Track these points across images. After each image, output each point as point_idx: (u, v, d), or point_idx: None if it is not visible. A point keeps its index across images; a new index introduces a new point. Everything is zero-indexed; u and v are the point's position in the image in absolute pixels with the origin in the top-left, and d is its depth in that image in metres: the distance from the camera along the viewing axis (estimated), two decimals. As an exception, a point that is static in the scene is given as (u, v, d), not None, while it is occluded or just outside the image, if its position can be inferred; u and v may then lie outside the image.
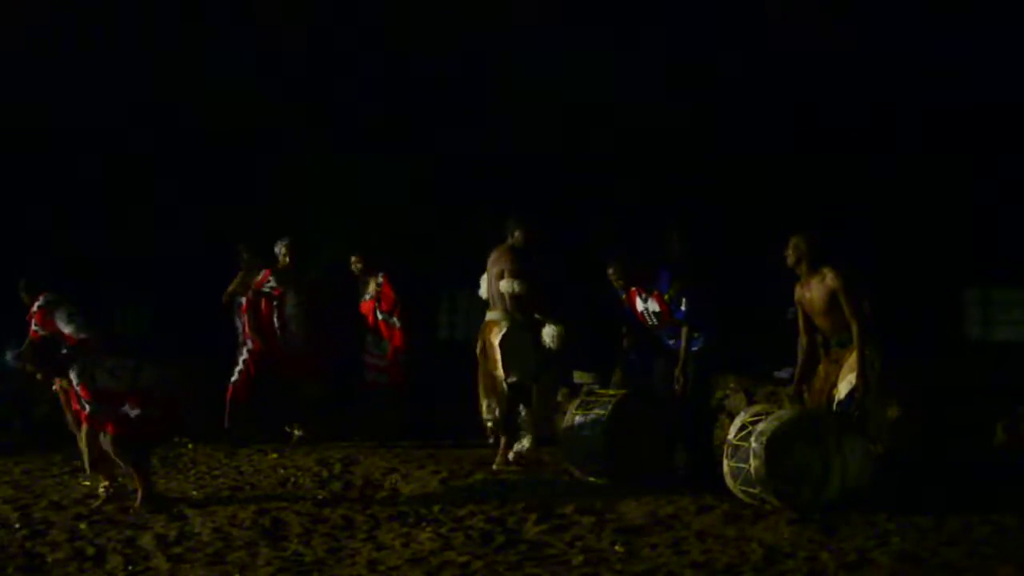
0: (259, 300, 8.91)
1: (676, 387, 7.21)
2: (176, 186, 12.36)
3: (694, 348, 7.28)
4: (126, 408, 6.19)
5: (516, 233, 7.71)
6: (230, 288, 9.12)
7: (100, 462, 6.43)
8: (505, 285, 7.62)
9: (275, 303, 8.87)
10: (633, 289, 7.49)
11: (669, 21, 11.63)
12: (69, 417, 6.62)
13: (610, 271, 7.51)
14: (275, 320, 8.88)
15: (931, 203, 11.33)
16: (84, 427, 6.32)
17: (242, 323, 8.98)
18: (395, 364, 9.16)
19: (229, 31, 11.81)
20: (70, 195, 11.89)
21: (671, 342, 7.42)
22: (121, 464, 6.32)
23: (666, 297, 7.30)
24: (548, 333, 7.57)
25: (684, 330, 7.26)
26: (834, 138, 11.53)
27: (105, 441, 6.22)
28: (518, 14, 11.65)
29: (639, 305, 7.48)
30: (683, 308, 7.25)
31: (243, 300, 8.99)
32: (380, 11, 11.97)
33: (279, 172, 12.38)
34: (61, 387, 6.53)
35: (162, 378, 6.49)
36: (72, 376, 6.21)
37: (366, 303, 9.32)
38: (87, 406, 6.18)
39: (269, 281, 8.91)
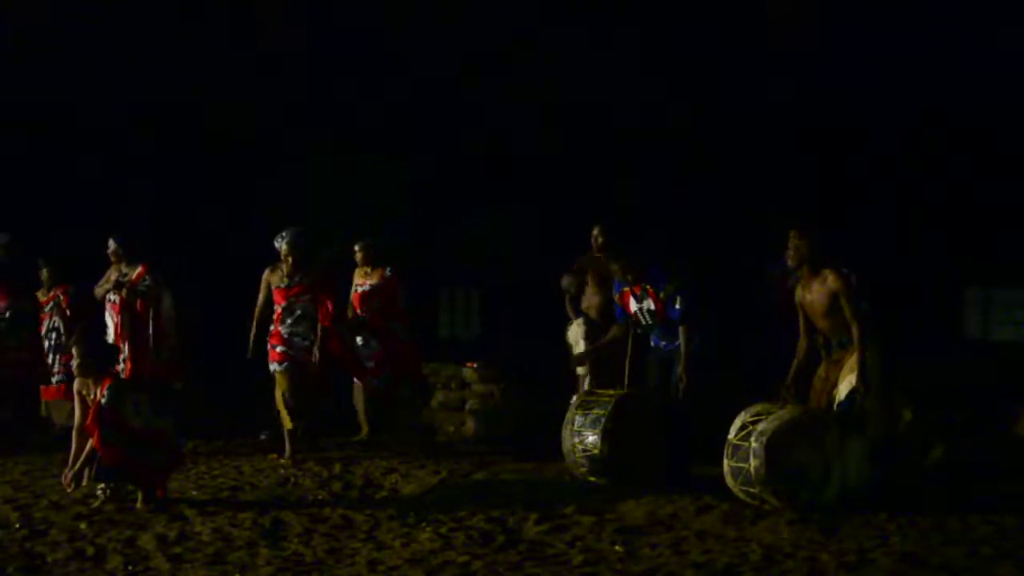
0: (134, 300, 8.25)
1: (680, 386, 7.20)
2: (175, 186, 12.37)
3: (668, 349, 7.31)
4: (132, 444, 6.27)
5: (595, 231, 8.09)
6: (103, 286, 8.41)
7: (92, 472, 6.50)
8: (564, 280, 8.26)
9: (150, 303, 8.24)
10: (627, 289, 7.48)
11: (669, 21, 11.64)
12: (76, 421, 6.58)
13: (613, 267, 7.53)
14: (150, 322, 8.23)
15: (931, 203, 11.33)
16: (90, 442, 6.33)
17: (114, 323, 8.31)
18: (396, 364, 8.56)
19: (229, 31, 11.82)
20: (69, 195, 11.90)
21: (662, 344, 7.42)
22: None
23: (661, 296, 7.28)
24: (571, 332, 8.06)
25: (682, 330, 7.25)
26: (834, 138, 11.54)
27: (102, 461, 6.32)
28: (518, 14, 11.66)
29: (632, 306, 7.47)
30: (678, 307, 7.24)
31: (115, 298, 8.30)
32: (380, 11, 11.98)
33: (279, 172, 12.38)
34: (81, 393, 6.52)
35: (176, 429, 6.64)
36: (104, 393, 6.29)
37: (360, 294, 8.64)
38: (103, 428, 6.22)
39: (145, 279, 8.28)
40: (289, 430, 7.95)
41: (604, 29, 11.73)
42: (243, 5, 11.91)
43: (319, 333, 7.98)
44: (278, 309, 8.03)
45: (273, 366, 8.01)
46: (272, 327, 8.03)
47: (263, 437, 8.69)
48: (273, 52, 11.98)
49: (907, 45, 11.01)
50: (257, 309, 8.09)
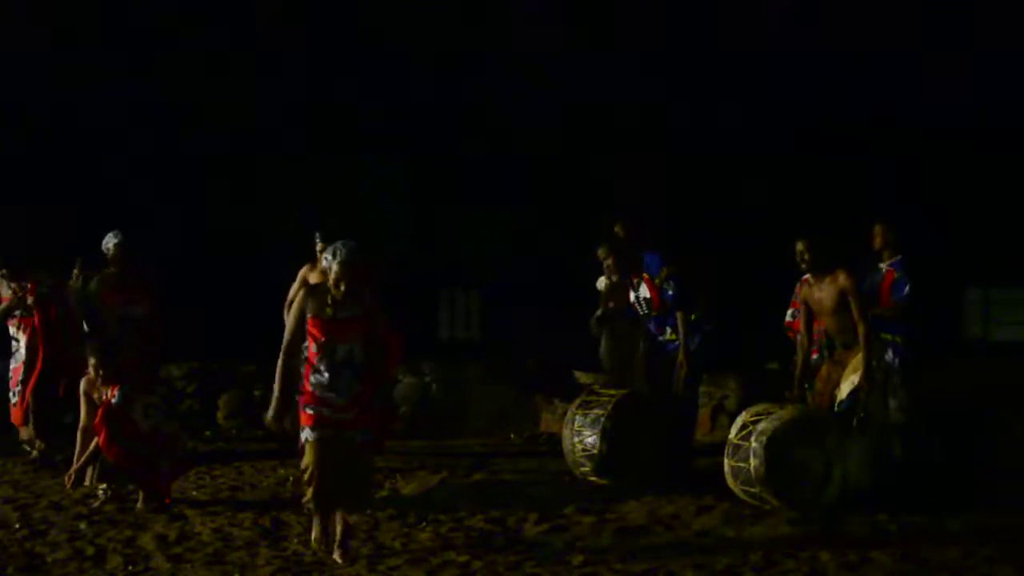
0: (40, 307, 7.85)
1: (679, 374, 7.17)
2: (174, 186, 12.35)
3: (671, 348, 7.30)
4: (138, 446, 6.31)
5: (616, 228, 7.96)
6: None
7: (96, 471, 6.52)
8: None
9: (56, 302, 7.77)
10: (626, 282, 7.51)
11: (669, 21, 11.65)
12: (83, 422, 6.57)
13: (601, 256, 7.60)
14: (58, 324, 7.75)
15: (931, 203, 11.33)
16: (97, 440, 6.34)
17: (24, 337, 7.93)
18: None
19: (229, 31, 11.82)
20: (68, 195, 11.88)
21: (661, 338, 7.40)
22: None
23: (656, 281, 7.28)
24: (600, 281, 8.30)
25: (679, 316, 7.22)
26: (834, 138, 11.54)
27: (106, 462, 6.36)
28: (518, 14, 11.66)
29: (631, 296, 7.48)
30: (671, 292, 7.22)
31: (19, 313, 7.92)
32: (380, 11, 11.98)
33: (279, 172, 12.37)
34: (90, 393, 6.52)
35: (181, 433, 6.74)
36: (116, 394, 6.33)
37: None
38: (110, 428, 6.25)
39: (37, 287, 7.82)
40: (313, 511, 5.64)
41: (604, 29, 11.73)
42: (244, 4, 11.91)
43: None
44: (313, 347, 5.63)
45: (305, 433, 5.56)
46: (303, 375, 5.65)
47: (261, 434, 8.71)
48: (273, 52, 11.97)
49: (905, 43, 11.02)
50: (285, 344, 5.65)
